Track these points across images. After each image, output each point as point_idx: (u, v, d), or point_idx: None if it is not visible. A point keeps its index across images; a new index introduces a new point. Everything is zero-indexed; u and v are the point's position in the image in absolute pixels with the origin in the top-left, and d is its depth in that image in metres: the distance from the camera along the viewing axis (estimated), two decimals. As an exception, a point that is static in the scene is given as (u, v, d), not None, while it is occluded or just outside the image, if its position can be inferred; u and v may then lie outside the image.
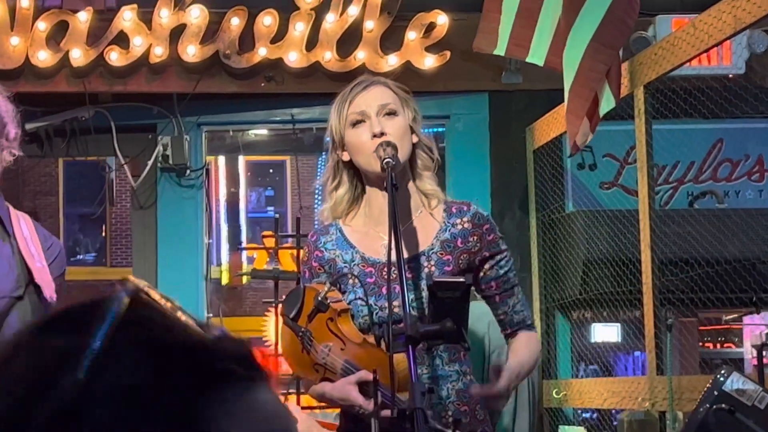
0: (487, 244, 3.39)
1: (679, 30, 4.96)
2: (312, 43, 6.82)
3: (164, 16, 6.76)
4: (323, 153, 8.41)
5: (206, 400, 0.86)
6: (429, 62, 6.84)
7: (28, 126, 6.84)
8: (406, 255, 3.22)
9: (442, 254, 3.35)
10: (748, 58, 6.36)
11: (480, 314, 3.82)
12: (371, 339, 3.22)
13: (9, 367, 0.88)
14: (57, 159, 16.26)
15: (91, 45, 6.76)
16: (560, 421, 6.37)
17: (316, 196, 14.81)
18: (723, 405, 3.28)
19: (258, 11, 6.79)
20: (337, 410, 3.54)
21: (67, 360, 0.85)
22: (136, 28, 6.76)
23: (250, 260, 14.61)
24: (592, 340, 10.99)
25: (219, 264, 15.96)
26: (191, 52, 6.79)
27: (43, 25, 6.72)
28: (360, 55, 6.81)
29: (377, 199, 3.39)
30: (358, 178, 3.46)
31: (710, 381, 3.40)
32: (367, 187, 3.43)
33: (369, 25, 6.81)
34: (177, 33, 6.78)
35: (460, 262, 3.35)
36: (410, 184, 3.42)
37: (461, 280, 3.17)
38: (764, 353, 5.76)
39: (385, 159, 3.22)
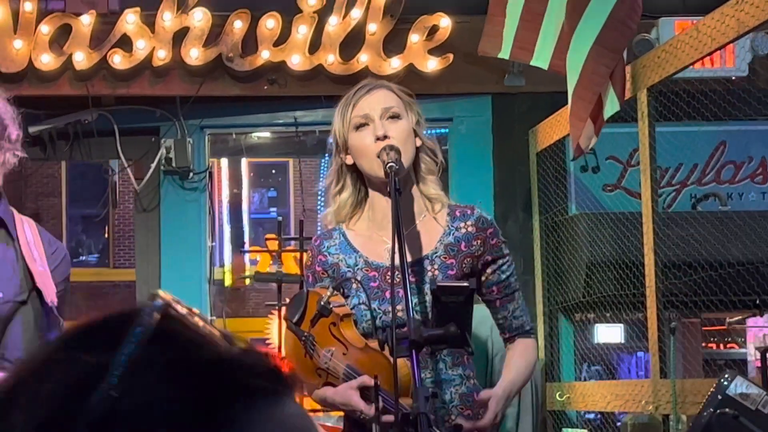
0: (490, 248, 3.39)
1: (683, 33, 4.96)
2: (315, 46, 6.82)
3: (167, 19, 6.76)
4: (326, 155, 8.43)
5: (234, 415, 0.87)
6: (432, 65, 6.84)
7: (32, 129, 6.86)
8: (409, 259, 3.22)
9: (445, 258, 3.35)
10: (751, 60, 6.36)
11: (483, 318, 3.82)
12: (373, 344, 3.22)
13: (40, 383, 0.88)
14: (60, 162, 16.31)
15: (94, 48, 6.77)
16: (563, 423, 6.36)
17: (319, 198, 14.84)
18: (727, 409, 3.27)
19: (261, 14, 6.80)
20: (340, 414, 3.54)
21: (97, 376, 0.85)
22: (139, 31, 6.76)
23: (253, 261, 14.63)
24: (595, 341, 10.99)
25: (222, 265, 15.97)
26: (194, 55, 6.80)
27: (46, 29, 6.72)
28: (363, 58, 6.81)
29: (381, 203, 3.39)
30: (362, 181, 3.46)
31: (714, 385, 3.39)
32: (371, 191, 3.43)
33: (372, 27, 6.81)
34: (180, 36, 6.79)
35: (464, 265, 3.35)
36: (414, 188, 3.42)
37: (465, 284, 3.18)
38: (768, 355, 5.75)
39: (388, 163, 3.22)
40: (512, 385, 3.34)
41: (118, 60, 6.77)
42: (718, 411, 3.30)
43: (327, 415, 5.73)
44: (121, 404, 0.84)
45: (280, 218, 7.27)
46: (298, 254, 6.87)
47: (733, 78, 6.33)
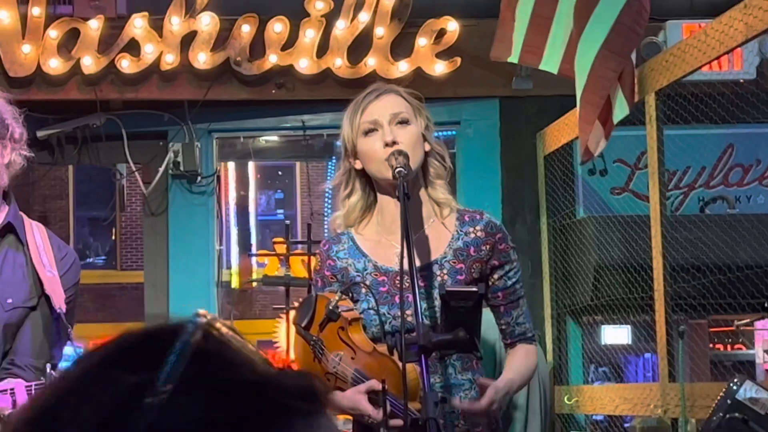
0: (499, 252, 3.39)
1: (691, 37, 4.96)
2: (322, 49, 6.83)
3: (175, 24, 6.77)
4: (333, 158, 8.44)
5: None
6: (439, 68, 6.84)
7: (40, 133, 6.88)
8: (418, 264, 3.22)
9: (454, 263, 3.35)
10: (759, 63, 6.36)
11: (491, 322, 3.82)
12: (382, 348, 3.22)
13: (81, 403, 0.88)
14: (70, 170, 16.34)
15: (103, 52, 6.78)
16: (572, 426, 6.37)
17: (326, 200, 14.83)
18: (736, 414, 3.27)
19: (268, 18, 6.81)
20: (348, 417, 3.55)
21: (138, 396, 0.85)
22: (147, 35, 6.78)
23: (261, 264, 14.61)
24: (603, 343, 10.98)
25: (229, 267, 15.96)
26: (202, 59, 6.81)
27: (54, 33, 6.73)
28: (370, 62, 6.82)
29: (389, 208, 3.39)
30: (371, 186, 3.46)
31: (723, 390, 3.39)
32: (380, 196, 3.43)
33: (379, 31, 6.82)
34: (188, 40, 6.80)
35: (473, 270, 3.35)
36: (422, 193, 3.42)
37: (474, 289, 3.18)
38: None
39: (396, 168, 3.22)
40: (511, 383, 3.33)
41: (126, 64, 6.79)
42: (728, 415, 3.30)
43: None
44: (162, 424, 0.85)
45: (287, 221, 7.26)
46: (306, 258, 6.86)
47: (741, 81, 6.33)
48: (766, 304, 5.78)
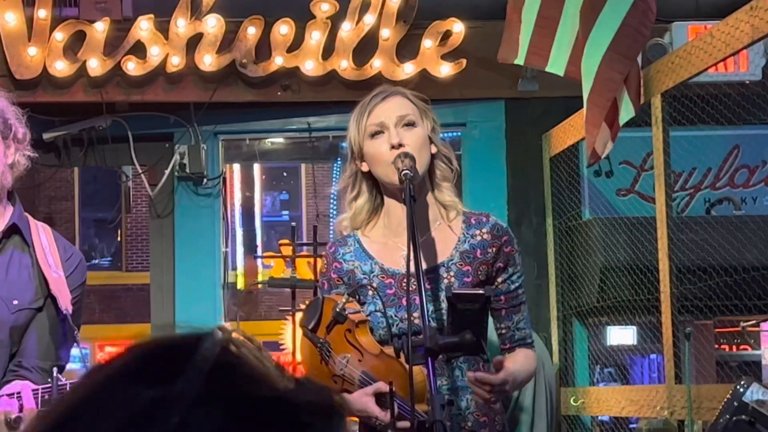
0: (504, 255, 3.39)
1: (696, 39, 4.96)
2: (328, 51, 6.83)
3: (181, 26, 6.78)
4: (338, 159, 8.44)
5: None
6: (445, 70, 6.84)
7: (46, 135, 6.89)
8: (425, 266, 3.22)
9: (461, 265, 3.35)
10: (765, 65, 6.35)
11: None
12: (389, 350, 3.22)
13: (96, 415, 0.87)
14: (75, 171, 16.34)
15: (108, 55, 6.79)
16: (578, 428, 6.37)
17: (332, 201, 14.83)
18: (743, 416, 3.27)
19: (274, 20, 6.81)
20: (355, 420, 3.55)
21: (155, 411, 0.85)
22: (152, 37, 6.78)
23: (266, 265, 14.61)
24: (608, 343, 10.97)
25: (234, 268, 15.97)
26: (208, 61, 6.81)
27: (60, 36, 6.74)
28: (376, 64, 6.82)
29: (396, 210, 3.39)
30: (377, 188, 3.46)
31: (730, 392, 3.39)
32: (386, 198, 3.43)
33: (385, 33, 6.82)
34: (194, 42, 6.80)
35: (479, 273, 3.35)
36: (429, 195, 3.43)
37: (481, 292, 3.18)
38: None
39: (403, 171, 3.22)
40: (515, 375, 3.31)
41: (132, 66, 6.79)
42: (734, 418, 3.30)
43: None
44: None
45: (293, 223, 7.26)
46: (311, 260, 6.87)
47: (747, 82, 6.33)
48: (772, 306, 5.77)
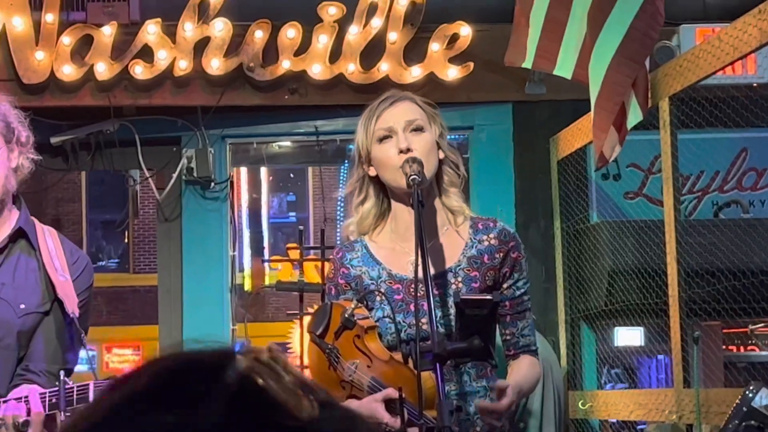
0: (511, 261, 3.40)
1: (704, 42, 4.95)
2: (335, 55, 6.83)
3: (188, 30, 6.78)
4: (345, 162, 8.44)
5: None
6: (452, 73, 6.84)
7: (54, 140, 6.90)
8: (432, 272, 3.22)
9: (469, 270, 3.35)
10: (773, 67, 6.35)
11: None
12: (398, 356, 3.23)
13: None
14: (82, 173, 16.36)
15: (116, 59, 6.80)
16: (586, 432, 6.36)
17: (339, 203, 14.84)
18: (752, 422, 3.27)
19: (281, 24, 6.81)
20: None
21: None
22: (160, 41, 6.79)
23: (273, 267, 14.61)
24: (615, 344, 10.96)
25: (242, 270, 15.98)
26: (215, 65, 6.82)
27: (67, 40, 6.75)
28: (383, 67, 6.82)
29: (403, 215, 3.39)
30: (384, 193, 3.46)
31: (739, 397, 3.38)
32: (393, 203, 3.43)
33: (392, 36, 6.82)
34: (201, 46, 6.81)
35: (487, 278, 3.36)
36: (436, 200, 3.43)
37: (489, 297, 3.18)
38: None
39: (411, 176, 3.23)
40: (520, 387, 3.34)
41: (140, 70, 6.80)
42: (744, 423, 3.29)
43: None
44: None
45: (301, 227, 7.27)
46: (319, 263, 6.87)
47: (755, 85, 6.32)
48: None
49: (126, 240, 20.06)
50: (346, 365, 3.30)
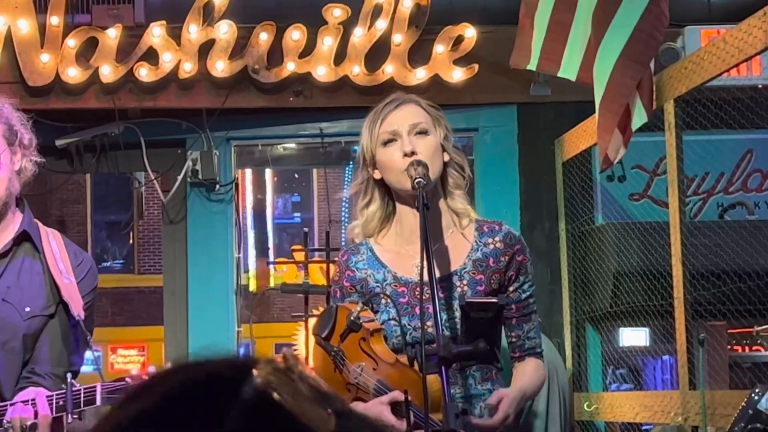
0: (517, 264, 3.40)
1: (709, 44, 4.95)
2: (340, 57, 6.84)
3: (193, 32, 6.79)
4: (350, 163, 8.44)
5: None
6: (457, 75, 6.84)
7: (59, 142, 6.91)
8: (438, 275, 3.23)
9: (474, 274, 3.35)
10: (777, 68, 6.34)
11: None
12: (404, 359, 3.23)
13: None
14: (87, 174, 16.35)
15: (121, 61, 6.80)
16: (591, 433, 6.36)
17: (343, 204, 14.83)
18: (758, 425, 3.27)
19: (286, 26, 6.82)
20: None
21: None
22: (165, 44, 6.80)
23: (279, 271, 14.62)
24: (620, 345, 10.95)
25: (246, 271, 15.99)
26: (220, 67, 6.82)
27: (72, 42, 6.76)
28: (388, 69, 6.83)
29: (408, 218, 3.39)
30: (389, 195, 3.47)
31: (745, 399, 3.38)
32: (398, 206, 3.44)
33: (397, 38, 6.83)
34: (206, 48, 6.82)
35: (492, 281, 3.36)
36: (441, 203, 3.43)
37: (494, 300, 3.19)
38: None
39: (416, 179, 3.23)
40: (524, 392, 3.34)
41: (145, 73, 6.81)
42: (749, 426, 3.30)
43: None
44: None
45: (305, 228, 7.27)
46: (324, 265, 6.87)
47: (760, 86, 6.32)
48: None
49: (131, 241, 20.07)
50: (351, 368, 3.30)
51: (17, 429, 3.25)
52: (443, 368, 2.98)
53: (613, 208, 6.38)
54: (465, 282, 3.34)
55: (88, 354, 3.65)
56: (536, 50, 5.23)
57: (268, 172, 18.69)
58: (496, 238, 3.40)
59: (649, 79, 4.71)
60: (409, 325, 3.31)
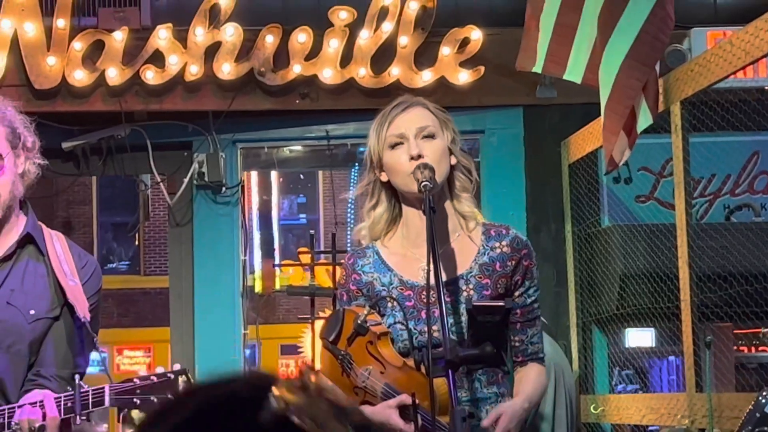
0: (523, 269, 3.39)
1: (716, 47, 4.95)
2: (346, 59, 6.85)
3: (199, 35, 6.80)
4: (356, 165, 8.44)
5: None
6: (463, 77, 6.85)
7: (65, 145, 6.92)
8: (444, 278, 3.22)
9: (480, 278, 3.35)
10: (784, 71, 6.34)
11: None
12: (411, 362, 3.23)
13: None
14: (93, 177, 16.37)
15: (127, 64, 6.81)
16: (598, 436, 6.36)
17: (349, 205, 14.84)
18: (765, 428, 3.27)
19: (292, 28, 6.83)
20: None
21: None
22: (171, 46, 6.80)
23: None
24: (626, 345, 10.95)
25: (252, 272, 15.99)
26: (226, 70, 6.83)
27: (79, 45, 6.77)
28: (394, 71, 6.83)
29: (414, 221, 3.39)
30: (396, 198, 3.46)
31: (752, 403, 3.38)
32: (405, 208, 3.43)
33: (403, 41, 6.83)
34: (212, 51, 6.82)
35: (498, 286, 3.35)
36: (448, 206, 3.42)
37: (501, 303, 3.18)
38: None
39: (422, 182, 3.22)
40: (526, 401, 3.33)
41: (151, 75, 6.82)
42: (757, 429, 3.30)
43: None
44: None
45: (311, 231, 7.29)
46: (330, 267, 6.88)
47: (766, 88, 6.31)
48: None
49: (137, 242, 20.07)
50: (359, 371, 3.30)
51: (26, 430, 3.25)
52: (450, 372, 2.98)
53: (620, 210, 6.38)
54: (471, 286, 3.34)
55: (94, 355, 3.65)
56: (542, 53, 5.23)
57: (274, 174, 18.69)
58: (503, 243, 3.40)
59: (655, 81, 4.70)
60: (415, 329, 3.31)
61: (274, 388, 0.85)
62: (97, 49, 6.82)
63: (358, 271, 3.44)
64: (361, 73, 6.84)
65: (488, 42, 6.84)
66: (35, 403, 3.27)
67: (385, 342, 3.30)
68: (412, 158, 3.31)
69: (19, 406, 3.28)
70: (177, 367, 3.35)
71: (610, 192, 6.44)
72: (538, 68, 5.31)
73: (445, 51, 6.85)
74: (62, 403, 3.26)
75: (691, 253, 5.05)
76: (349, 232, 14.29)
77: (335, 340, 3.34)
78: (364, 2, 6.82)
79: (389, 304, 3.35)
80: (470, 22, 6.86)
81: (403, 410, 3.15)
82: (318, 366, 3.84)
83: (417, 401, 3.03)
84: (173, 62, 6.82)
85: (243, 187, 7.40)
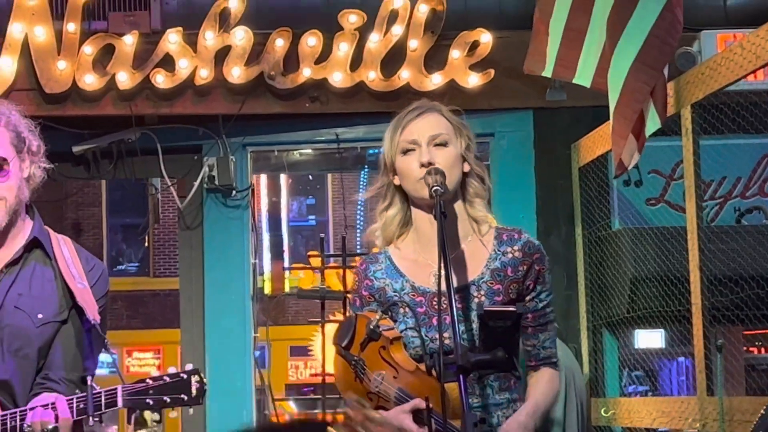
0: (535, 274, 3.39)
1: (726, 50, 4.95)
2: (356, 62, 6.85)
3: (209, 39, 6.81)
4: (366, 167, 8.45)
5: None
6: (473, 80, 6.85)
7: (75, 149, 6.94)
8: (455, 284, 3.22)
9: (492, 284, 3.35)
10: (794, 73, 6.33)
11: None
12: (424, 367, 3.23)
13: None
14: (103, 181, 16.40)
15: (137, 68, 6.83)
16: (609, 439, 6.36)
17: (359, 206, 14.85)
18: (777, 433, 3.28)
19: (302, 32, 6.84)
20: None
21: None
22: (181, 50, 6.82)
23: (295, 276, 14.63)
24: (636, 346, 10.94)
25: (261, 274, 16.00)
26: (236, 73, 6.84)
27: (89, 49, 6.78)
28: (404, 75, 6.83)
29: (425, 225, 3.39)
30: (409, 202, 3.47)
31: (764, 407, 3.39)
32: (416, 212, 3.43)
33: (413, 44, 6.84)
34: (222, 55, 6.83)
35: (510, 291, 3.35)
36: (461, 209, 3.42)
37: (512, 309, 3.18)
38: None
39: (433, 186, 3.23)
40: (538, 408, 3.34)
41: (161, 79, 6.83)
42: (769, 434, 3.30)
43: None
44: None
45: (321, 234, 7.30)
46: (340, 270, 6.89)
47: (776, 90, 6.31)
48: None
49: (146, 244, 20.10)
50: (372, 376, 3.30)
51: (38, 432, 3.26)
52: (461, 377, 2.98)
53: (630, 212, 6.38)
54: (483, 292, 3.34)
55: (104, 357, 3.66)
56: (551, 57, 5.23)
57: (283, 176, 18.71)
58: (515, 247, 3.40)
59: (663, 85, 4.70)
60: (427, 335, 3.31)
61: (330, 428, 0.86)
62: (107, 53, 6.83)
63: (370, 277, 3.45)
64: (371, 76, 6.85)
65: (498, 45, 6.84)
66: (47, 405, 3.28)
67: (398, 347, 3.30)
68: (422, 165, 3.31)
69: (31, 409, 3.29)
70: (189, 367, 3.36)
71: (621, 195, 6.43)
72: (547, 72, 5.31)
73: (455, 54, 6.86)
74: (75, 404, 3.27)
75: (702, 256, 5.04)
76: (358, 235, 14.30)
77: (348, 345, 3.35)
78: (374, 5, 6.83)
79: (401, 310, 3.36)
80: (480, 25, 6.86)
81: (417, 415, 3.16)
82: (330, 371, 3.85)
83: (431, 405, 3.03)
84: (183, 66, 6.83)
85: (253, 190, 7.41)
